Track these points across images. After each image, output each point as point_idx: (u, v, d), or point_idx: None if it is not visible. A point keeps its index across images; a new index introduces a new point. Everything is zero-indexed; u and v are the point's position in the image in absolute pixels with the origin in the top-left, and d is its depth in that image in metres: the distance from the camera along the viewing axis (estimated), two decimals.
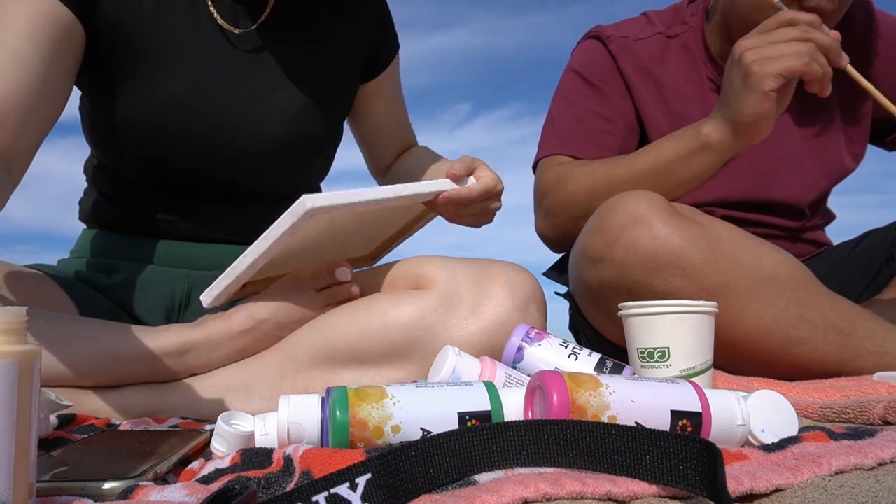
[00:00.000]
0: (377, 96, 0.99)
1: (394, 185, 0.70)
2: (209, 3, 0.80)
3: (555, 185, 0.99)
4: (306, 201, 0.63)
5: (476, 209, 0.78)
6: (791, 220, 1.08)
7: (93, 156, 0.90)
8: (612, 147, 1.03)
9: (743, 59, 0.77)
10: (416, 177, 0.94)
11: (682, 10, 1.08)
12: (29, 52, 0.66)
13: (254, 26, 0.83)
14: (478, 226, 0.83)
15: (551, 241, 1.07)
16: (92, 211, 0.89)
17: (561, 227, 1.00)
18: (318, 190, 0.99)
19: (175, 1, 0.79)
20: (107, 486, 0.38)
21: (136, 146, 0.80)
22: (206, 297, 0.70)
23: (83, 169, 0.93)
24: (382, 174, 1.05)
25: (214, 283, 0.70)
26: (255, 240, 0.82)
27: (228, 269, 0.69)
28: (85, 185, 0.93)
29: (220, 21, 0.81)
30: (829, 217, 1.16)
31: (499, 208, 0.82)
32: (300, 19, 0.87)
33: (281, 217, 0.65)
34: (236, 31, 0.81)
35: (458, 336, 0.71)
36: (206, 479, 0.41)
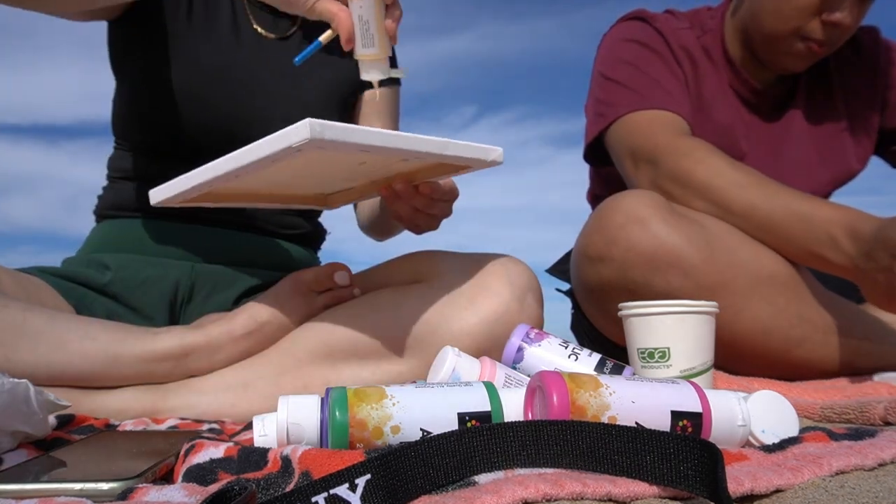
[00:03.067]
0: (369, 116, 1.03)
1: (424, 137, 0.60)
2: (247, 12, 0.91)
3: (670, 151, 0.89)
4: (312, 127, 0.52)
5: (440, 207, 0.76)
6: None
7: (117, 146, 0.94)
8: (686, 111, 0.98)
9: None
10: (374, 214, 0.99)
11: (701, 14, 1.08)
12: None
13: (282, 35, 0.94)
14: (425, 228, 0.81)
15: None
16: (109, 196, 0.92)
17: (659, 187, 0.91)
18: None
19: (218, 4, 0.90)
20: (106, 486, 0.38)
21: (172, 113, 0.85)
22: (155, 196, 0.65)
23: (106, 165, 0.95)
24: None
25: (169, 183, 0.64)
26: (262, 227, 0.83)
27: (191, 173, 0.61)
28: (100, 189, 0.95)
29: (255, 27, 0.92)
30: None
31: (449, 215, 0.79)
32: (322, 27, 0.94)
33: (271, 137, 0.54)
34: (267, 34, 0.92)
35: (457, 328, 0.71)
36: (202, 473, 0.40)
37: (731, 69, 1.03)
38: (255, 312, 0.73)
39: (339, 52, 0.94)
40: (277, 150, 0.54)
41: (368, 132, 0.56)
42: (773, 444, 0.44)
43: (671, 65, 1.01)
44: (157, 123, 0.86)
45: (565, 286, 1.14)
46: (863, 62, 1.06)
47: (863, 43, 1.06)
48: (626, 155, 0.96)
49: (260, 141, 0.55)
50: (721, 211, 0.84)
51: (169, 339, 0.69)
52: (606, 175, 1.10)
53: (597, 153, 1.06)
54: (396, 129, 1.06)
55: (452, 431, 0.38)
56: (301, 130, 0.52)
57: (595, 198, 1.19)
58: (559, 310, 1.18)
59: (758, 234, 0.83)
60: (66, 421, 0.60)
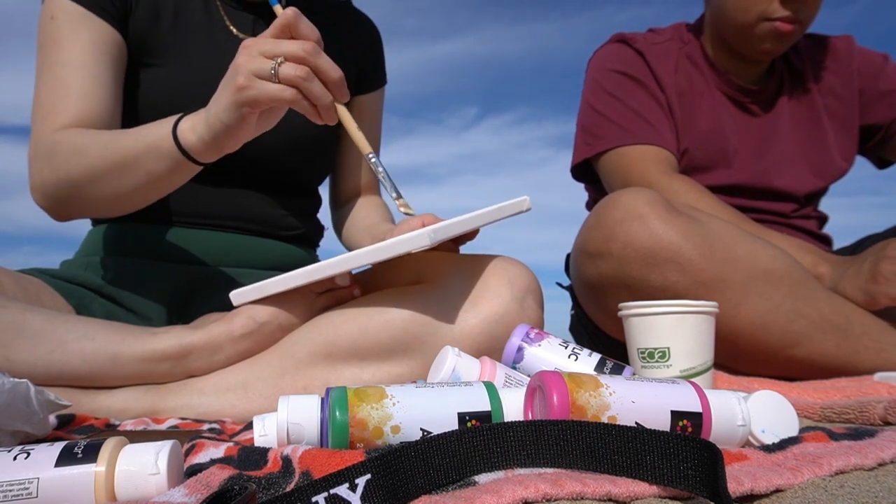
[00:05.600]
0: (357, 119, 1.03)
1: (487, 210, 0.70)
2: (223, 14, 0.90)
3: (664, 191, 0.95)
4: (431, 237, 0.60)
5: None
6: (785, 204, 1.13)
7: None
8: (669, 141, 1.07)
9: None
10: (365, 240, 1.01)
11: (680, 28, 1.17)
12: (102, 74, 0.81)
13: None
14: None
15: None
16: None
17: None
18: (317, 186, 1.03)
19: (192, 11, 0.89)
20: None
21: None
22: (238, 298, 0.73)
23: None
24: (335, 208, 1.10)
25: (255, 286, 0.71)
26: (258, 229, 0.85)
27: (278, 278, 0.70)
28: None
29: (232, 29, 0.90)
30: (823, 215, 1.18)
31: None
32: None
33: (391, 243, 0.61)
34: (243, 36, 0.91)
35: (458, 329, 0.71)
36: (201, 471, 0.40)
37: (714, 72, 1.11)
38: (255, 313, 0.73)
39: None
40: (396, 255, 0.61)
41: (462, 222, 0.65)
42: (773, 443, 0.44)
43: (654, 91, 1.09)
44: None
45: (567, 281, 1.15)
46: (839, 65, 1.15)
47: (838, 48, 1.16)
48: (619, 187, 1.04)
49: (378, 246, 0.62)
50: None
51: (168, 339, 0.69)
52: (602, 191, 1.15)
53: (582, 172, 1.18)
54: (379, 133, 1.09)
55: (452, 431, 0.38)
56: (422, 239, 0.60)
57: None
58: (559, 310, 1.19)
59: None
60: (66, 421, 0.60)
